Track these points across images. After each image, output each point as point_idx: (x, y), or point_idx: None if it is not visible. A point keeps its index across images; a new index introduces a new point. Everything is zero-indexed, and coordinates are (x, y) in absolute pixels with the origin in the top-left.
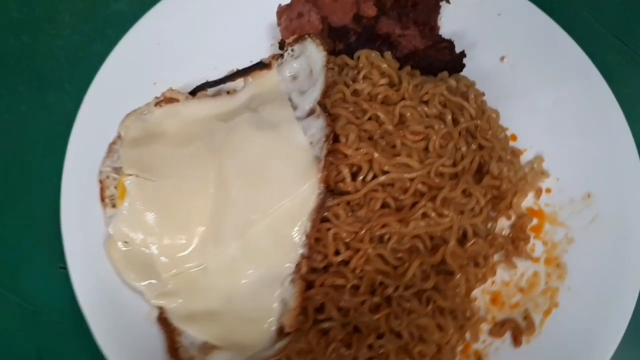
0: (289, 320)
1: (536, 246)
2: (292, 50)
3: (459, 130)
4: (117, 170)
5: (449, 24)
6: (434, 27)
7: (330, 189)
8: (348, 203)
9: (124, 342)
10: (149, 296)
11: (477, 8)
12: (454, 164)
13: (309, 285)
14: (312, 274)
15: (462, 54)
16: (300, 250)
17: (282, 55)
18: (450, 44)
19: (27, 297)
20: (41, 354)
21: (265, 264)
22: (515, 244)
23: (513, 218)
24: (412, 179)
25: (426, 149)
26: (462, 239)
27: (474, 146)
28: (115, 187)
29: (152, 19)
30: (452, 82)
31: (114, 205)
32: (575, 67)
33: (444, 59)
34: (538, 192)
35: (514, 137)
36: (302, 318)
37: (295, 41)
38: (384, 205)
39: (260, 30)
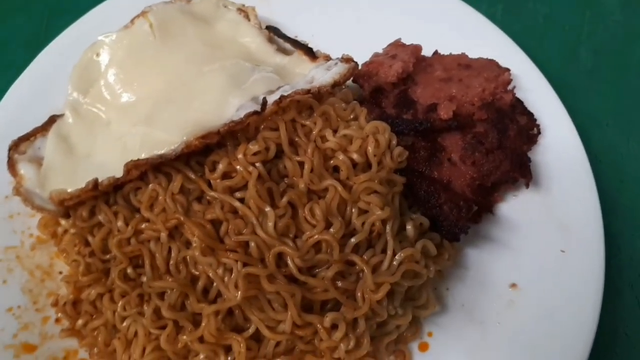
0: (68, 193)
1: None
2: (337, 63)
3: (345, 258)
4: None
5: (512, 208)
6: (489, 191)
7: (202, 164)
8: (202, 191)
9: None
10: (67, 99)
11: (553, 228)
12: (309, 271)
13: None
14: (122, 199)
15: (464, 228)
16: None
17: (328, 60)
18: (467, 208)
19: None
20: None
21: (115, 157)
22: None
23: None
24: (254, 233)
25: (303, 233)
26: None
27: (340, 284)
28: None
29: None
30: (410, 228)
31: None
32: None
33: (444, 215)
34: None
35: (424, 346)
36: (80, 213)
37: (346, 59)
38: (215, 224)
39: (376, 44)
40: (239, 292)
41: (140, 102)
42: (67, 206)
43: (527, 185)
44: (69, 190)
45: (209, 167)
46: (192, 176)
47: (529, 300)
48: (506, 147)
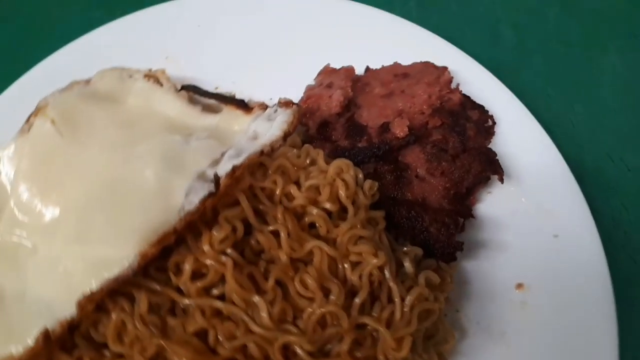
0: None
1: None
2: (276, 110)
3: (355, 322)
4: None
5: (490, 206)
6: (465, 197)
7: (163, 270)
8: (173, 301)
9: None
10: None
11: (537, 215)
12: (321, 352)
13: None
14: (82, 340)
15: (459, 246)
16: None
17: (265, 108)
18: (455, 223)
19: None
20: None
21: (57, 290)
22: None
23: None
24: (249, 332)
25: (301, 311)
26: None
27: (359, 354)
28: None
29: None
30: (408, 264)
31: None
32: None
33: (434, 238)
34: None
35: None
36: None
37: (285, 104)
38: (200, 334)
39: (304, 75)
40: None
41: (66, 216)
42: None
43: (502, 181)
44: (14, 351)
45: (173, 271)
46: (158, 288)
47: (540, 296)
48: (470, 147)
